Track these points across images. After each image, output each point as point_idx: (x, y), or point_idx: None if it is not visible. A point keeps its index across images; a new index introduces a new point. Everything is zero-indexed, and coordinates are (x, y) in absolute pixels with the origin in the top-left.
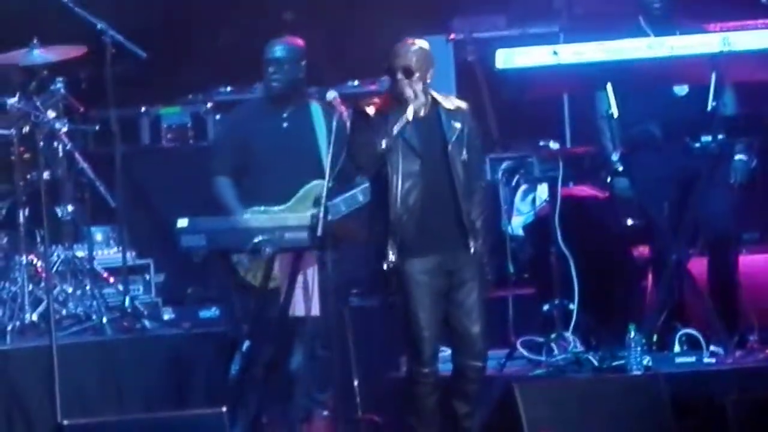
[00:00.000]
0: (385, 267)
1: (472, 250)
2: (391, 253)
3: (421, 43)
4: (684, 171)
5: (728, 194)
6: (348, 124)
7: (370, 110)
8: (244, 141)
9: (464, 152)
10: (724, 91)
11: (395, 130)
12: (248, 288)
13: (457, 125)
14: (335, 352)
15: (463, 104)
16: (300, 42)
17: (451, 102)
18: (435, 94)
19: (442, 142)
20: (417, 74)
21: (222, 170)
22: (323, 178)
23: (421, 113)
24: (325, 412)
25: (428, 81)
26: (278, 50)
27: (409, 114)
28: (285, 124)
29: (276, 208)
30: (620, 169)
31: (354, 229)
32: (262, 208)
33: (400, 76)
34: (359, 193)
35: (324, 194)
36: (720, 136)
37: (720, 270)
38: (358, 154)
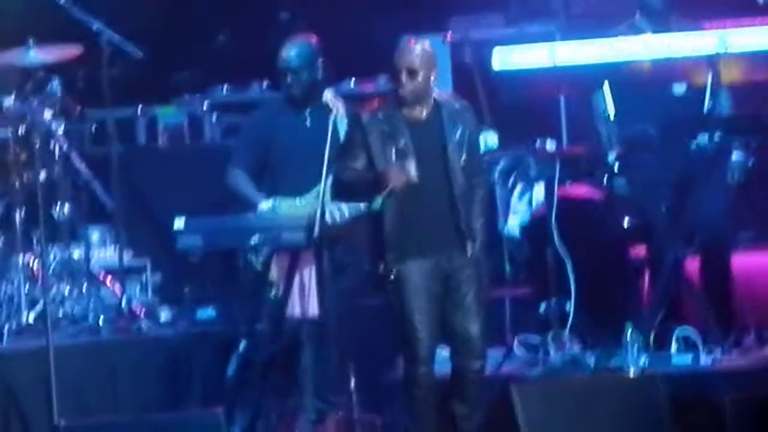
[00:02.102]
0: (380, 269)
1: (469, 254)
2: (387, 255)
3: (424, 44)
4: (681, 171)
5: (724, 194)
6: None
7: (366, 117)
8: (266, 139)
9: (464, 155)
10: (721, 91)
11: (378, 200)
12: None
13: (459, 128)
14: (333, 352)
15: (464, 104)
16: (313, 41)
17: (452, 102)
18: (437, 95)
19: (442, 146)
20: (421, 74)
21: (239, 164)
22: None
23: (423, 117)
24: (340, 413)
25: (431, 82)
26: (293, 58)
27: (385, 194)
28: (307, 123)
29: (292, 199)
30: (617, 169)
31: (352, 230)
32: (278, 199)
33: (403, 76)
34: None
35: (321, 193)
36: (717, 136)
37: (714, 270)
38: (347, 177)
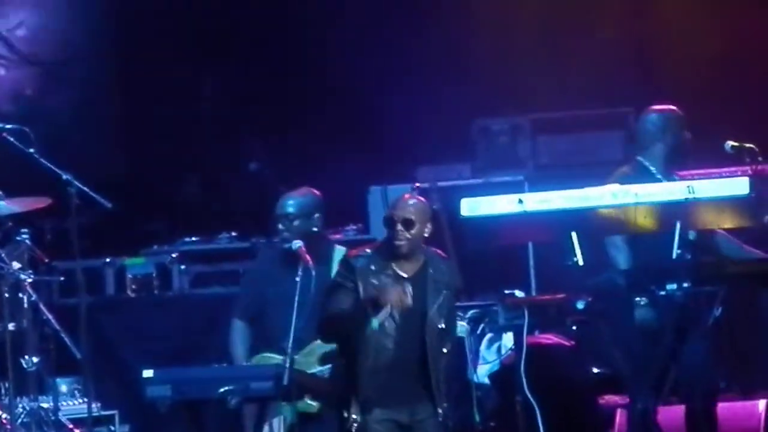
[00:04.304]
0: (345, 419)
1: (440, 418)
2: (353, 411)
3: (420, 199)
4: (650, 319)
5: (706, 344)
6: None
7: (358, 264)
8: (261, 290)
9: (442, 321)
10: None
11: (375, 322)
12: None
13: (442, 293)
14: None
15: (450, 264)
16: (315, 193)
17: (440, 262)
18: (426, 252)
19: (422, 309)
20: (417, 226)
21: (238, 314)
22: None
23: (410, 274)
24: None
25: (425, 235)
26: (288, 205)
27: (383, 315)
28: (297, 278)
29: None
30: (586, 317)
31: (320, 382)
32: (270, 354)
33: (400, 227)
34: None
35: (290, 345)
36: (685, 285)
37: (700, 421)
38: (337, 311)
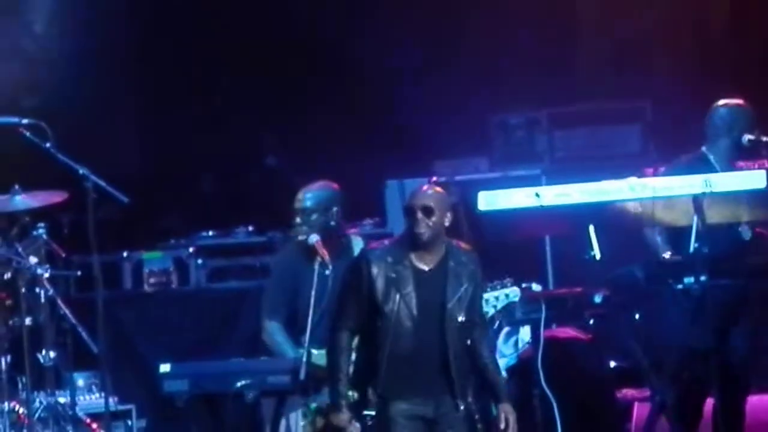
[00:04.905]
0: (366, 413)
1: (461, 408)
2: (371, 400)
3: (439, 188)
4: (666, 312)
5: (748, 342)
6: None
7: (374, 256)
8: (292, 285)
9: (462, 314)
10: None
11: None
12: None
13: (462, 284)
14: None
15: (472, 255)
16: (333, 187)
17: (461, 253)
18: (448, 243)
19: (442, 301)
20: (436, 214)
21: (271, 315)
22: None
23: (430, 266)
24: None
25: (445, 224)
26: (305, 199)
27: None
28: (327, 271)
29: (317, 351)
30: (603, 311)
31: None
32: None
33: (420, 215)
34: None
35: (307, 337)
36: (702, 278)
37: (730, 413)
38: (350, 312)
